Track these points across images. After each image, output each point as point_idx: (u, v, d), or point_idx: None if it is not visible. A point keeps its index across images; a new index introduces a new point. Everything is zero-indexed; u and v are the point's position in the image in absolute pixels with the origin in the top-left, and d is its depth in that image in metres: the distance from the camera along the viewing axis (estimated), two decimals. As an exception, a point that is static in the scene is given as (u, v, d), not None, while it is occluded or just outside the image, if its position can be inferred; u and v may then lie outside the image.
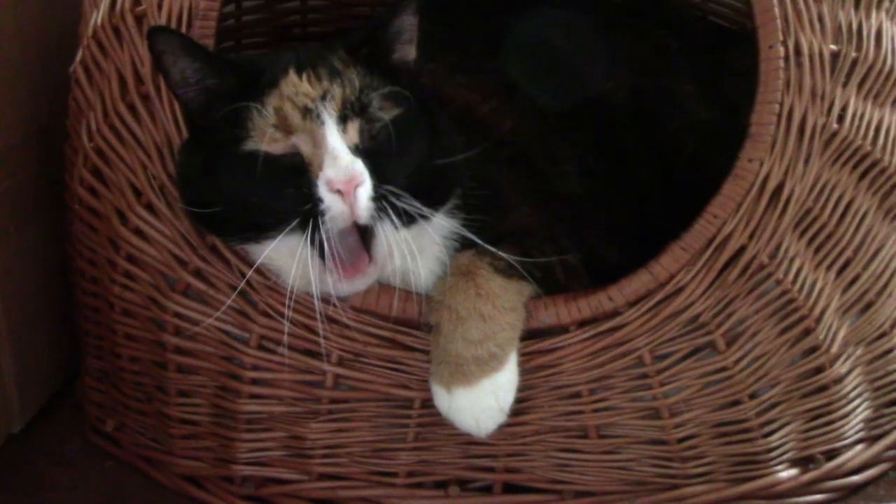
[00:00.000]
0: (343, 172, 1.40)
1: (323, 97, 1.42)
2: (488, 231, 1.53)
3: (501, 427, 1.53)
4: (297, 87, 1.43)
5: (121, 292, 1.66)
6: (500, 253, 1.52)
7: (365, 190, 1.40)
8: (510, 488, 1.64)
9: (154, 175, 1.58)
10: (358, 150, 1.42)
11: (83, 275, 1.75)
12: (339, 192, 1.39)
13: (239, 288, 1.53)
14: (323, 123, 1.41)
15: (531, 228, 1.62)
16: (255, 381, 1.61)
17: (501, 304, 1.51)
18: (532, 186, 1.71)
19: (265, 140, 1.42)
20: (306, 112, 1.42)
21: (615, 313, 1.55)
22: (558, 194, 1.75)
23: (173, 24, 1.56)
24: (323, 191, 1.40)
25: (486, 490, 1.64)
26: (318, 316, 1.50)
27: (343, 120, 1.42)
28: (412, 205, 1.43)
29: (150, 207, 1.60)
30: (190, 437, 1.68)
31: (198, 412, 1.67)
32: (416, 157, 1.46)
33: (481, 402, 1.51)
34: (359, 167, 1.40)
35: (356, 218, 1.41)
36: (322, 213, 1.40)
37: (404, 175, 1.45)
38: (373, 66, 1.47)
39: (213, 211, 1.45)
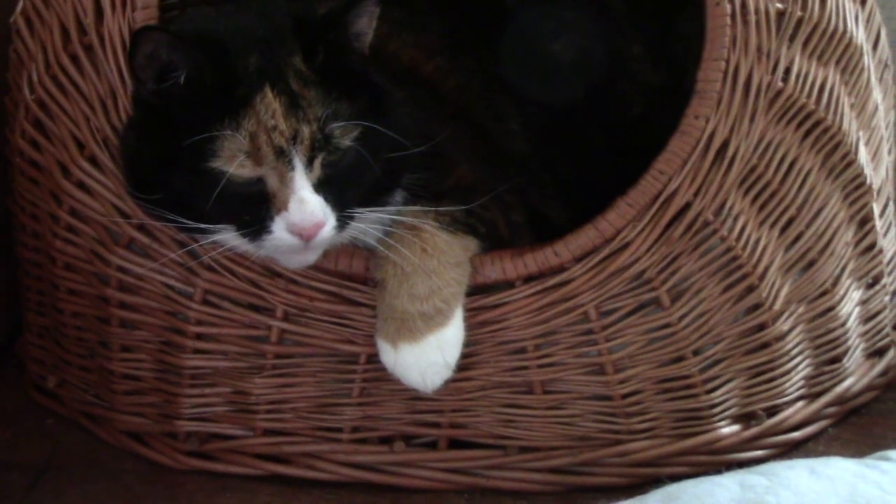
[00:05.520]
0: (308, 218, 1.39)
1: (294, 138, 1.39)
2: (432, 188, 1.54)
3: (447, 382, 1.53)
4: (273, 116, 1.39)
5: (63, 247, 1.64)
6: (444, 209, 1.53)
7: (327, 229, 1.41)
8: (455, 444, 1.64)
9: (97, 128, 1.56)
10: (321, 184, 1.41)
11: (24, 229, 1.73)
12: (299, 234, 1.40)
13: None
14: (293, 168, 1.39)
15: (475, 185, 1.61)
16: (199, 336, 1.60)
17: (447, 259, 1.51)
18: (476, 144, 1.70)
19: (234, 165, 1.39)
20: (280, 153, 1.39)
21: (561, 269, 1.56)
22: (503, 152, 1.75)
23: (118, -25, 1.54)
24: (280, 227, 1.40)
25: (432, 446, 1.64)
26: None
27: (310, 161, 1.40)
28: (368, 211, 1.45)
29: (93, 160, 1.58)
30: (133, 392, 1.67)
31: (141, 368, 1.65)
32: (376, 168, 1.45)
33: (427, 357, 1.52)
34: (323, 211, 1.40)
35: (309, 248, 1.43)
36: (274, 240, 1.41)
37: (364, 190, 1.45)
38: (331, 78, 1.43)
39: (157, 201, 1.43)
